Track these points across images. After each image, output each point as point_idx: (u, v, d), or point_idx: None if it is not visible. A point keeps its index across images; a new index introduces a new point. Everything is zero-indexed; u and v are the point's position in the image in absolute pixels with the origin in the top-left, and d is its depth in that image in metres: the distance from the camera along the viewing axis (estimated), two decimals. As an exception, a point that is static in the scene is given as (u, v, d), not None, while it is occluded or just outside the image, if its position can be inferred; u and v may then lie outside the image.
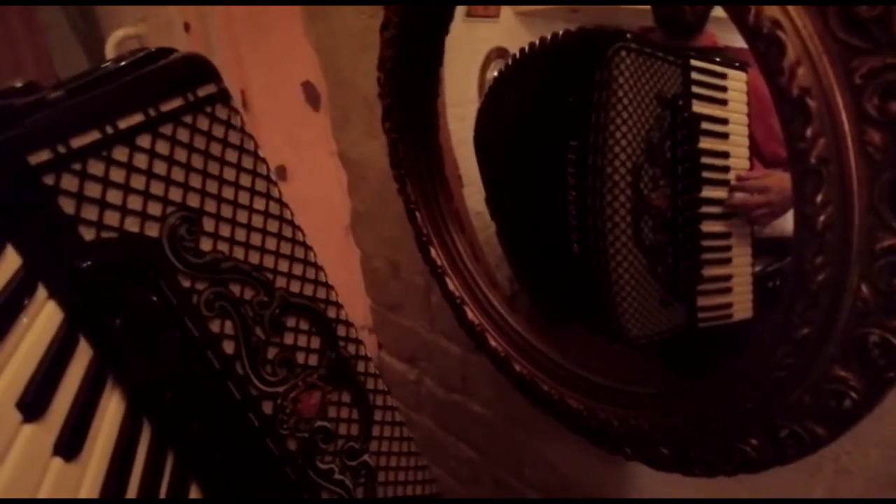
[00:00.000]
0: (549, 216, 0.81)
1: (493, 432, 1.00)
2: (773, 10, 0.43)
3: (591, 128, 0.72)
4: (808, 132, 0.44)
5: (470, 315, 0.85)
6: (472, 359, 0.97)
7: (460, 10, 0.81)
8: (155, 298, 0.47)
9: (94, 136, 0.45)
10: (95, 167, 0.45)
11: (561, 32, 0.76)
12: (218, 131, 0.53)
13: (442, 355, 1.04)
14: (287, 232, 0.58)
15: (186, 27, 1.82)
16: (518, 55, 0.81)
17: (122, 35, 1.87)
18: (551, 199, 0.79)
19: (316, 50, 1.06)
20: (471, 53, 0.88)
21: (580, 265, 0.77)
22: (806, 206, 0.45)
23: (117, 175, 0.46)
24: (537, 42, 0.78)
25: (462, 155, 0.90)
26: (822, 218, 0.45)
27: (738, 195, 0.65)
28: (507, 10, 0.87)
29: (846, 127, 0.43)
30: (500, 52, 0.88)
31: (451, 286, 0.87)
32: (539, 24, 0.85)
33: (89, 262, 0.44)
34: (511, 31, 0.88)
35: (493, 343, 0.83)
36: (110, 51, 1.85)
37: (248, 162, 0.55)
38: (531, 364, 0.80)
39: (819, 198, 0.45)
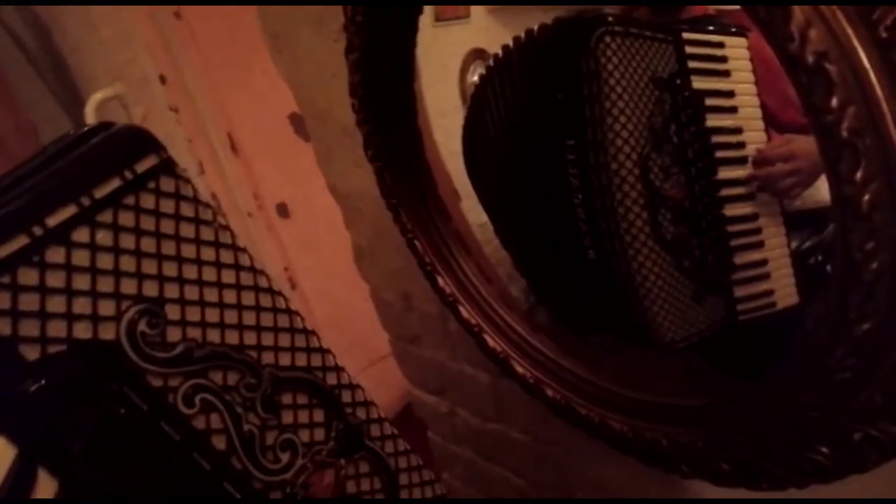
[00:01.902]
0: (556, 224, 0.74)
1: (538, 457, 0.93)
2: (768, -32, 0.36)
3: (587, 123, 0.65)
4: (834, 102, 0.37)
5: (490, 342, 0.79)
6: (502, 384, 0.91)
7: (428, 16, 0.76)
8: (123, 410, 0.41)
9: (22, 241, 0.40)
10: (28, 276, 0.40)
11: (537, 27, 0.70)
12: (167, 206, 0.48)
13: (470, 384, 0.98)
14: (266, 301, 0.52)
15: (163, 80, 1.79)
16: (497, 56, 0.74)
17: (100, 98, 1.84)
18: (556, 205, 0.72)
19: (287, 82, 1.01)
20: (447, 59, 0.82)
21: (599, 271, 0.70)
22: (844, 187, 0.39)
23: (56, 279, 0.41)
24: (513, 41, 0.72)
25: (455, 168, 0.84)
26: (866, 198, 0.38)
27: (763, 169, 0.58)
28: (477, 9, 0.81)
29: (878, 90, 0.36)
30: (478, 54, 0.82)
31: (465, 314, 0.81)
32: (513, 18, 0.79)
33: (37, 385, 0.38)
34: (485, 30, 0.82)
35: (519, 369, 0.77)
36: (90, 116, 1.83)
37: (207, 233, 0.50)
38: (563, 387, 0.73)
39: (858, 175, 0.38)
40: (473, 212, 0.86)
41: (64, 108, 2.41)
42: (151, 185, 0.47)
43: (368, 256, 1.07)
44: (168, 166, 0.49)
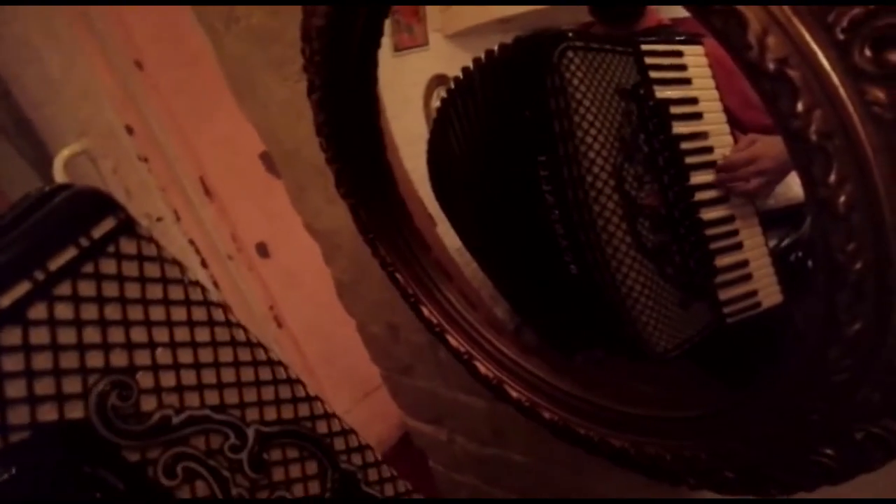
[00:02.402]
0: (534, 241, 0.73)
1: (541, 479, 0.92)
2: (718, -21, 0.36)
3: (557, 138, 0.65)
4: (800, 106, 0.37)
5: (482, 369, 0.78)
6: (498, 408, 0.89)
7: (387, 48, 0.75)
8: (98, 494, 0.39)
9: (-27, 326, 0.38)
10: (-17, 360, 0.38)
11: (497, 46, 0.69)
12: (130, 269, 0.46)
13: (466, 410, 0.96)
14: (245, 355, 0.50)
15: (129, 130, 1.77)
16: (458, 78, 0.74)
17: (67, 154, 1.82)
18: (532, 222, 0.71)
19: (254, 126, 1.00)
20: (409, 88, 0.82)
21: (582, 286, 0.69)
22: (818, 190, 0.38)
23: (13, 362, 0.39)
24: (474, 62, 0.72)
25: (427, 193, 0.83)
26: (841, 199, 0.38)
27: (729, 174, 0.58)
28: (435, 36, 0.81)
29: (842, 91, 0.36)
30: (440, 80, 0.81)
31: (454, 343, 0.79)
32: (472, 42, 0.79)
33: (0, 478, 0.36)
34: (445, 56, 0.81)
35: (514, 394, 0.76)
36: (59, 173, 1.81)
37: (176, 292, 0.48)
38: (560, 408, 0.72)
39: (832, 178, 0.37)
40: (449, 236, 0.85)
41: (33, 167, 2.39)
42: (111, 248, 0.45)
43: (351, 291, 1.05)
44: (128, 227, 0.47)
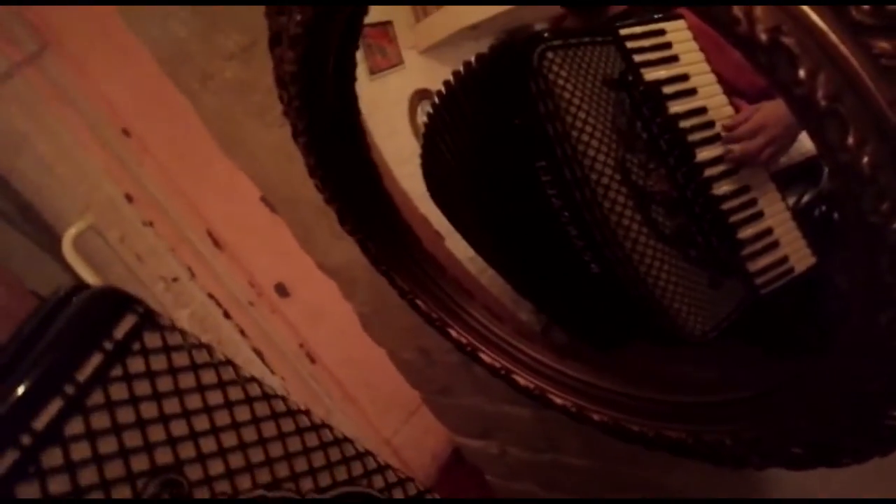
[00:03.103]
0: (549, 247, 0.72)
1: (601, 477, 0.90)
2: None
3: (553, 141, 0.63)
4: (801, 73, 0.35)
5: (521, 381, 0.77)
6: (546, 414, 0.87)
7: (362, 73, 0.74)
8: None
9: (12, 456, 0.37)
10: (28, 490, 0.37)
11: (475, 57, 0.68)
12: (159, 363, 0.45)
13: (513, 421, 0.95)
14: (288, 425, 0.50)
15: (129, 198, 1.78)
16: (441, 93, 0.73)
17: (74, 233, 1.83)
18: (544, 227, 0.70)
19: (248, 176, 0.99)
20: (392, 108, 0.81)
21: (606, 284, 0.68)
22: (839, 156, 0.36)
23: (59, 484, 0.38)
24: (454, 76, 0.70)
25: (428, 209, 0.82)
26: (865, 160, 0.36)
27: (737, 146, 0.56)
28: (410, 53, 0.80)
29: (843, 49, 0.34)
30: (422, 94, 0.80)
31: (487, 359, 0.78)
32: (447, 53, 0.78)
33: None
34: (423, 71, 0.81)
35: (558, 400, 0.74)
36: (69, 253, 1.82)
37: (209, 377, 0.47)
38: (607, 408, 0.70)
39: (850, 140, 0.35)
40: (459, 247, 0.84)
41: (44, 250, 2.41)
42: (136, 346, 0.44)
43: (375, 322, 1.04)
44: (149, 319, 0.46)
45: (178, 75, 0.92)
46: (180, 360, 0.46)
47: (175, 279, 1.88)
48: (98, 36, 1.54)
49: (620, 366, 0.71)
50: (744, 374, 0.59)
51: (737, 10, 0.35)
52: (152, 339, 0.45)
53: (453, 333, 0.79)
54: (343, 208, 0.76)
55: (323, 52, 0.62)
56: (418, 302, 0.79)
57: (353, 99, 0.69)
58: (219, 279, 1.88)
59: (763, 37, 0.35)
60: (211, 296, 1.89)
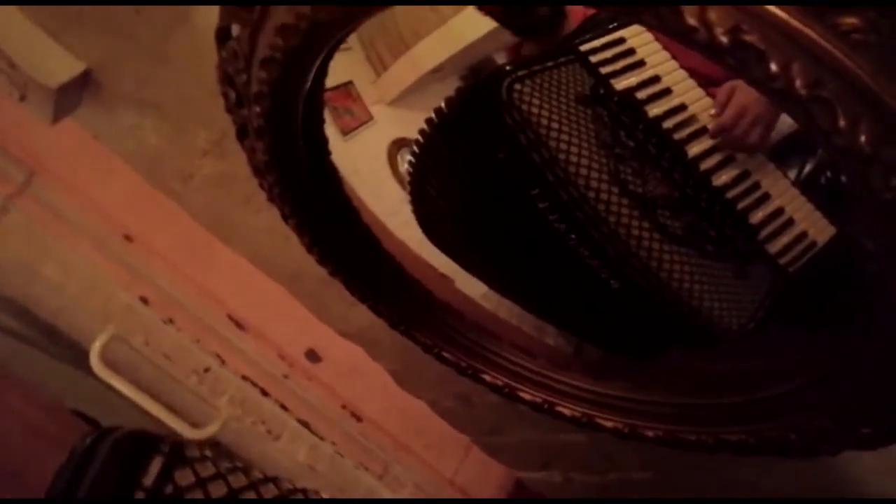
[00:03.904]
0: (563, 270, 0.70)
1: (672, 486, 0.87)
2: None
3: (542, 168, 0.62)
4: (773, 67, 0.33)
5: (567, 412, 0.74)
6: (601, 436, 0.85)
7: (335, 136, 0.74)
8: None
9: None
10: None
11: (444, 102, 0.67)
12: (195, 494, 0.44)
13: (571, 448, 0.92)
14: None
15: (144, 301, 1.79)
16: (418, 141, 0.72)
17: (98, 346, 1.84)
18: (553, 253, 0.68)
19: (250, 261, 0.99)
20: (372, 162, 0.80)
21: (631, 296, 0.65)
22: (835, 139, 0.34)
23: None
24: (427, 123, 0.69)
25: (432, 253, 0.81)
26: (862, 139, 0.33)
27: (726, 135, 0.54)
28: (377, 107, 0.79)
29: (810, 33, 0.32)
30: (399, 143, 0.80)
31: (528, 397, 0.76)
32: (415, 99, 0.77)
33: None
34: (395, 121, 0.80)
35: (608, 424, 0.72)
36: (97, 366, 1.82)
37: (249, 494, 0.45)
38: (660, 422, 0.68)
39: (842, 123, 0.33)
40: (470, 286, 0.82)
41: (76, 367, 2.42)
42: (169, 489, 0.43)
43: (408, 378, 1.03)
44: (177, 455, 0.45)
45: (160, 180, 0.92)
46: (217, 489, 0.45)
47: (207, 369, 1.88)
48: (80, 154, 1.55)
49: (663, 376, 0.68)
50: (793, 363, 0.56)
51: (690, 19, 0.33)
52: (184, 476, 0.44)
53: (487, 378, 0.77)
54: (348, 279, 0.75)
55: (291, 138, 0.61)
56: (445, 354, 0.77)
57: (332, 171, 0.68)
58: (249, 360, 1.88)
59: (724, 39, 0.33)
60: (245, 378, 1.88)
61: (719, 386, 0.62)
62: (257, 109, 0.56)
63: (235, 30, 0.53)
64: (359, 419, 1.96)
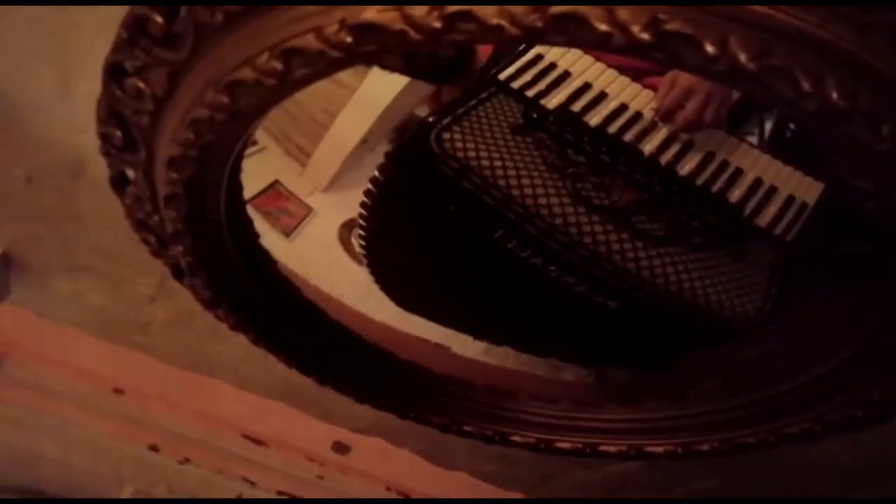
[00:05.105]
0: (555, 304, 0.65)
1: (747, 489, 0.80)
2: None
3: (498, 209, 0.57)
4: (709, 49, 0.28)
5: (611, 449, 0.68)
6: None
7: (277, 241, 0.69)
8: None
9: None
10: None
11: (377, 169, 0.63)
12: None
13: (627, 477, 0.86)
14: None
15: (155, 449, 1.71)
16: (363, 215, 0.67)
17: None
18: (540, 290, 0.63)
19: (239, 388, 0.93)
20: (328, 253, 0.75)
21: (633, 311, 0.60)
22: (805, 104, 0.29)
23: None
24: (366, 195, 0.65)
25: (417, 325, 0.76)
26: (833, 95, 0.29)
27: (677, 120, 0.50)
28: (314, 196, 0.75)
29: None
30: (349, 226, 0.75)
31: (566, 446, 0.70)
32: (351, 176, 0.73)
33: None
34: (337, 205, 0.76)
35: (659, 450, 0.66)
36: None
37: None
38: (713, 432, 0.62)
39: (805, 85, 0.29)
40: (469, 347, 0.77)
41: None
42: None
43: (437, 455, 0.97)
44: None
45: (119, 336, 0.87)
46: None
47: (239, 496, 1.80)
48: (36, 330, 1.49)
49: (699, 382, 0.63)
50: (833, 336, 0.50)
51: (601, 26, 0.28)
52: None
53: (518, 439, 0.71)
54: (339, 384, 0.69)
55: (226, 263, 0.55)
56: (465, 428, 0.71)
57: (283, 281, 0.63)
58: (279, 473, 1.79)
59: (645, 36, 0.28)
60: (281, 492, 1.80)
61: (763, 378, 0.57)
62: (180, 248, 0.51)
63: (130, 173, 0.49)
64: (407, 495, 1.87)
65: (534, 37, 0.29)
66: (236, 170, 0.47)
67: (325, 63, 0.31)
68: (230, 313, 0.61)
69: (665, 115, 0.50)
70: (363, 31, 0.30)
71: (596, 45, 0.30)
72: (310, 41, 0.31)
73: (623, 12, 0.28)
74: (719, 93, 0.47)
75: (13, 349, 1.57)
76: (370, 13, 0.29)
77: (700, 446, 0.63)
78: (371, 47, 0.30)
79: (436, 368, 0.71)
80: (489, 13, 0.28)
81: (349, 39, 0.30)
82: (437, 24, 0.29)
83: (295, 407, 0.94)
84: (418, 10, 0.28)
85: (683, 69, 0.30)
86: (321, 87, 0.69)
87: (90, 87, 0.41)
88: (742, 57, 0.28)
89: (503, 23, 0.28)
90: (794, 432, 0.55)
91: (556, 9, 0.28)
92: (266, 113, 0.39)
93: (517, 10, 0.27)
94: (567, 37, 0.29)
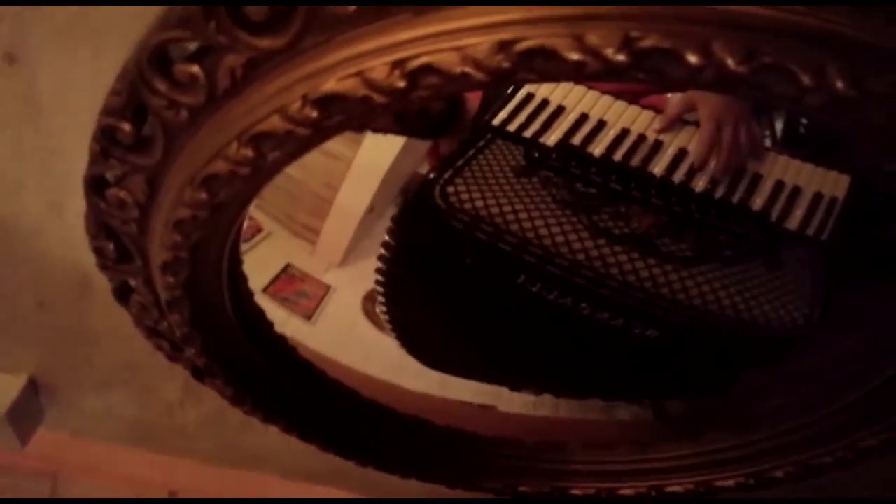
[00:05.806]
0: (593, 343, 0.62)
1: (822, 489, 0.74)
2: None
3: (516, 254, 0.55)
4: (692, 59, 0.26)
5: (679, 489, 0.64)
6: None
7: (301, 325, 0.69)
8: None
9: None
10: None
11: (386, 233, 0.62)
12: None
13: None
14: None
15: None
16: (380, 281, 0.65)
17: None
18: (575, 330, 0.60)
19: (283, 478, 0.91)
20: (353, 329, 0.74)
21: (676, 336, 0.57)
22: (808, 100, 0.27)
23: None
24: (380, 259, 0.63)
25: (460, 388, 0.73)
26: (839, 85, 0.26)
27: (717, 156, 0.48)
28: (331, 273, 0.75)
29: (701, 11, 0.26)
30: (370, 297, 0.73)
31: (629, 492, 0.66)
32: (365, 246, 0.72)
33: None
34: (355, 278, 0.75)
35: (729, 483, 0.61)
36: None
37: None
38: (785, 455, 0.57)
39: (806, 80, 0.26)
40: (516, 402, 0.74)
41: None
42: None
43: None
44: None
45: (159, 445, 0.85)
46: None
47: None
48: (82, 445, 1.50)
49: (762, 403, 0.58)
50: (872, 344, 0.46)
51: (573, 55, 0.27)
52: None
53: (578, 493, 0.66)
54: (380, 463, 0.66)
55: (245, 359, 0.54)
56: (520, 489, 0.67)
57: (306, 368, 0.61)
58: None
59: (621, 58, 0.26)
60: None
61: (831, 388, 0.52)
62: (192, 350, 0.50)
63: (132, 283, 0.48)
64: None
65: (503, 78, 0.27)
66: (235, 262, 0.46)
67: (295, 142, 0.30)
68: (256, 408, 0.59)
69: (701, 164, 0.48)
70: (327, 102, 0.28)
71: (572, 75, 0.28)
72: (276, 122, 0.30)
73: (592, 37, 0.26)
74: (742, 111, 0.44)
75: (61, 468, 1.57)
76: (330, 83, 0.28)
77: (773, 473, 0.58)
78: (339, 118, 0.29)
79: (482, 431, 0.68)
80: (451, 62, 0.26)
81: (314, 114, 0.29)
82: (401, 84, 0.27)
83: (344, 489, 0.91)
84: (378, 73, 0.27)
85: (669, 85, 0.28)
86: (318, 163, 0.69)
87: (79, 203, 0.41)
88: (730, 62, 0.26)
89: (468, 69, 0.26)
90: (873, 445, 0.51)
91: (522, 45, 0.26)
92: (251, 201, 0.37)
93: (479, 53, 0.26)
94: (538, 73, 0.28)
